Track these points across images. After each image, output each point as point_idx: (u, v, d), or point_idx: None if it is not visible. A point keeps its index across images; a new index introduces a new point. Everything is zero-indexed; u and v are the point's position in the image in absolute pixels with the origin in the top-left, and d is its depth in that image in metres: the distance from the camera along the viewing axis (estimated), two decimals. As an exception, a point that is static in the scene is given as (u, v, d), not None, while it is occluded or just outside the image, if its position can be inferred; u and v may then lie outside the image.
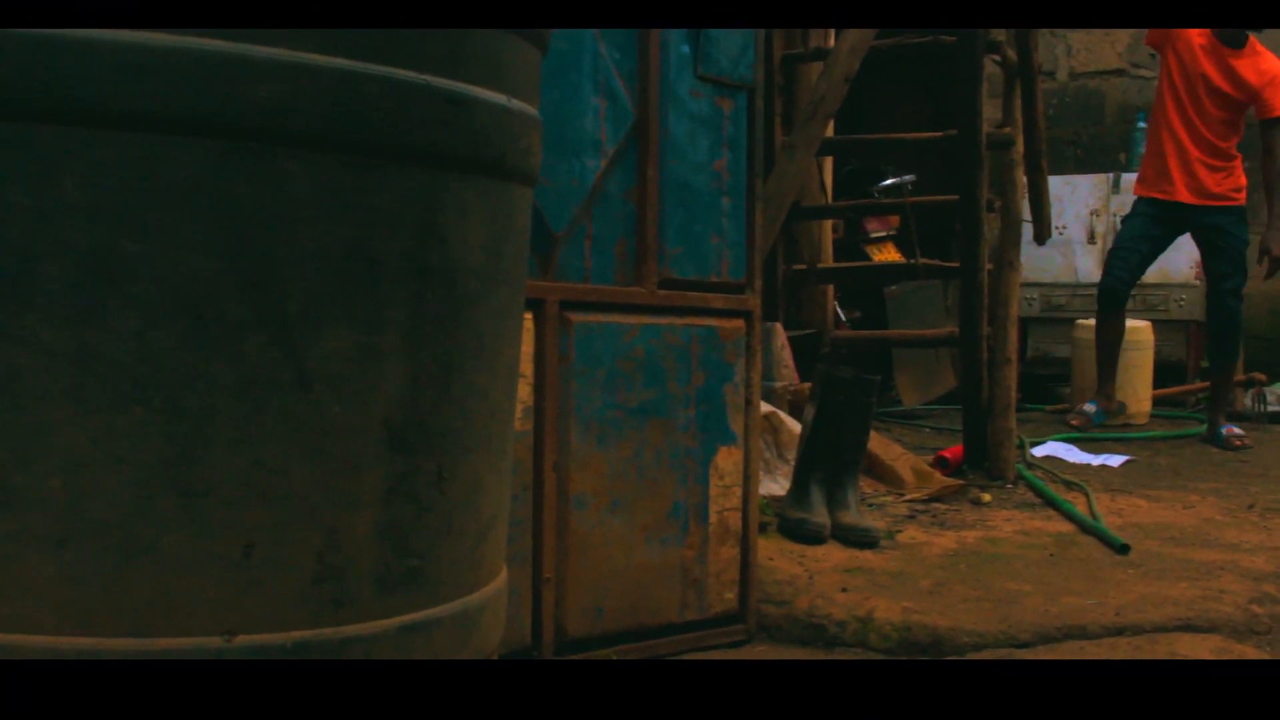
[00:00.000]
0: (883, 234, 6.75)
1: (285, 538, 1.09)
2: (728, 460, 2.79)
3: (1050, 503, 4.13)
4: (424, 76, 1.12)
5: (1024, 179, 4.78)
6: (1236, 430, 5.76)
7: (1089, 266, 7.28)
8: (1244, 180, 5.71)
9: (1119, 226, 7.13)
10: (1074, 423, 5.87)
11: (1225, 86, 5.51)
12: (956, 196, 4.48)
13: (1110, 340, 5.98)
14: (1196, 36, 5.54)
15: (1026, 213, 4.94)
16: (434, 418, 1.16)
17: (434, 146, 1.13)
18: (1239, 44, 5.51)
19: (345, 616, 1.12)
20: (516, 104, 1.24)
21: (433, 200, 1.14)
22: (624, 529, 2.56)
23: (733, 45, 2.81)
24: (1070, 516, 3.91)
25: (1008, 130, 4.50)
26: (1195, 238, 5.84)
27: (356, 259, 1.08)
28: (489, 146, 1.19)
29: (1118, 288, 5.85)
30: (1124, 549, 3.45)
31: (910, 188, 6.41)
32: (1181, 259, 7.13)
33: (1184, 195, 5.62)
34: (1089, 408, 5.94)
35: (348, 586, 1.12)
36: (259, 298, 1.05)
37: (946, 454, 4.72)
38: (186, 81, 1.01)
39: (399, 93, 1.10)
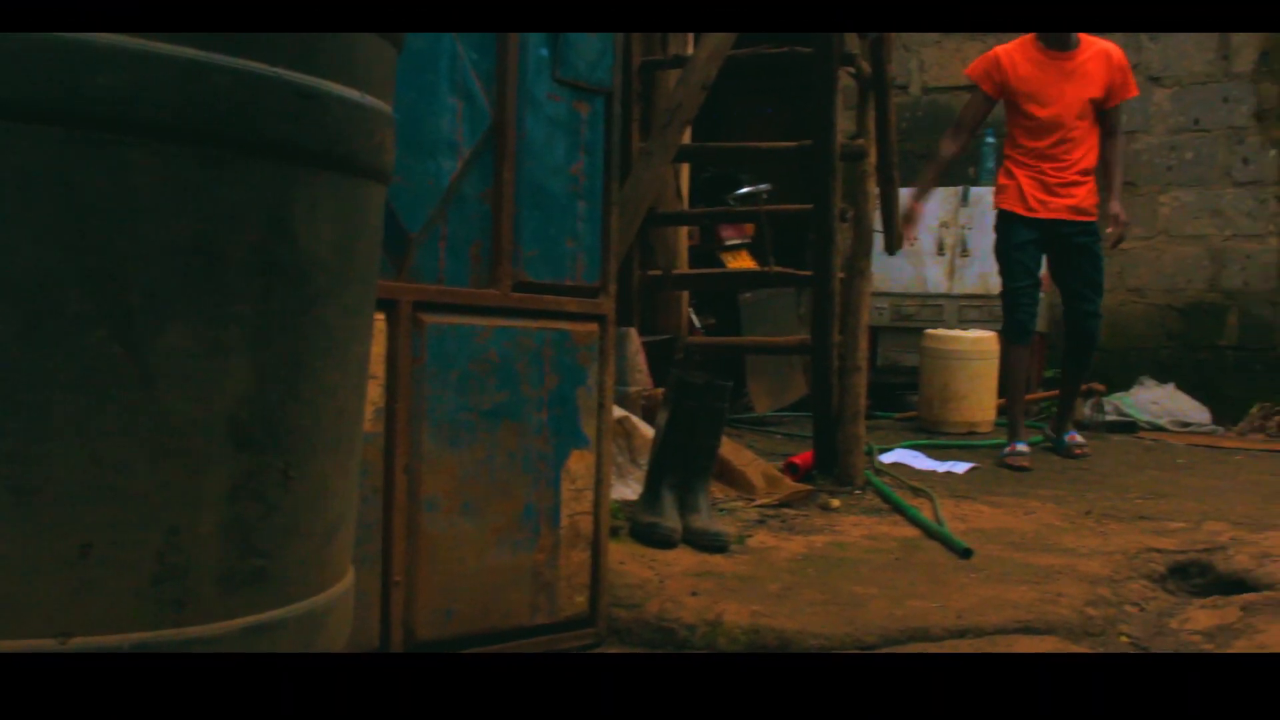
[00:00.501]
0: (738, 242, 6.82)
1: (124, 537, 1.06)
2: (580, 464, 2.79)
3: (897, 508, 4.22)
4: (275, 69, 1.10)
5: (876, 190, 4.87)
6: (1079, 439, 5.89)
7: (938, 276, 7.44)
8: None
9: (966, 240, 7.34)
10: (1023, 464, 5.46)
11: (1082, 90, 5.42)
12: (810, 205, 4.55)
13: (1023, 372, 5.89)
14: (1020, 61, 5.46)
15: (878, 223, 5.04)
16: (281, 416, 1.14)
17: (284, 140, 1.11)
18: (1071, 45, 5.44)
19: (187, 618, 1.10)
20: (370, 100, 1.23)
21: (282, 195, 1.12)
22: (475, 532, 2.54)
23: (591, 49, 2.82)
24: (915, 522, 3.99)
25: (861, 142, 4.58)
26: (1058, 252, 5.71)
27: (202, 253, 1.06)
28: (341, 142, 1.18)
29: (1028, 321, 5.68)
30: (967, 553, 3.54)
31: (765, 196, 6.50)
32: (1025, 272, 7.34)
33: (1057, 212, 5.51)
34: (1023, 448, 5.60)
35: (190, 587, 1.10)
36: (100, 291, 1.02)
37: (796, 460, 4.79)
38: (24, 67, 0.98)
39: (249, 85, 1.08)
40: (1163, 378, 7.35)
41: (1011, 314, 5.64)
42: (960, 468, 5.35)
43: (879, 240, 5.09)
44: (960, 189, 7.53)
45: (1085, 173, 5.50)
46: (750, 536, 3.71)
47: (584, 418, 2.80)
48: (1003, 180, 5.60)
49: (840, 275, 4.58)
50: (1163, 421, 6.91)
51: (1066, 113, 5.41)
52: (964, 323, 7.28)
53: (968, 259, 7.45)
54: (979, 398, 6.59)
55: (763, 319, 6.83)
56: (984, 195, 7.48)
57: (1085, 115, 5.45)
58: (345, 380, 1.24)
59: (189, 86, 1.04)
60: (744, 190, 6.58)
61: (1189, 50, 7.78)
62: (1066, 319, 5.75)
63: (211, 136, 1.06)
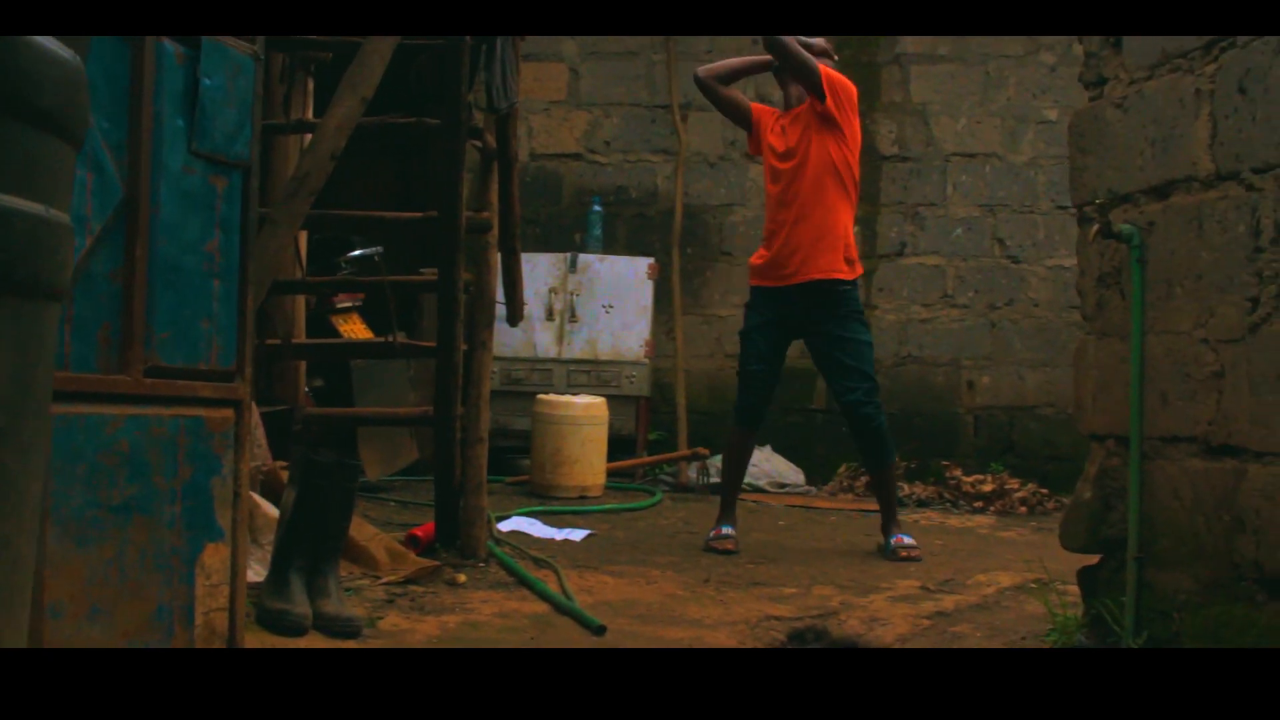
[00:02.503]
0: (349, 305, 6.68)
1: None
2: (214, 558, 2.64)
3: (523, 582, 4.21)
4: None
5: (498, 260, 4.88)
6: (906, 540, 5.27)
7: (546, 341, 7.54)
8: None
9: (575, 305, 7.47)
10: (727, 547, 5.18)
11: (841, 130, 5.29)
12: (433, 275, 4.51)
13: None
14: (772, 125, 5.44)
15: (499, 293, 5.04)
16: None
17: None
18: (820, 95, 5.25)
19: None
20: (54, 214, 1.11)
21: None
22: (104, 637, 2.35)
23: (229, 121, 2.70)
24: (544, 596, 3.99)
25: (486, 215, 4.58)
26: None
27: None
28: (24, 264, 1.06)
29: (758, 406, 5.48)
30: (600, 630, 3.56)
31: (378, 259, 6.40)
32: (633, 338, 7.55)
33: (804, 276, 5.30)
34: (727, 530, 5.29)
35: None
36: None
37: (418, 532, 4.70)
38: None
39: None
40: (760, 440, 7.70)
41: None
42: (577, 535, 5.41)
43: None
44: (569, 255, 7.68)
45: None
46: (381, 618, 3.61)
47: (219, 508, 2.65)
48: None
49: (463, 347, 4.56)
50: (762, 483, 7.24)
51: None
52: (573, 387, 7.40)
53: (576, 324, 7.58)
54: (590, 462, 6.70)
55: (374, 383, 6.72)
56: (591, 261, 7.67)
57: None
58: (20, 528, 1.11)
59: None
60: (357, 253, 6.45)
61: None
62: (846, 415, 5.47)
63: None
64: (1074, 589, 3.62)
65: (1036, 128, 8.28)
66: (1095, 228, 3.26)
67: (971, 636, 3.78)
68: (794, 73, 5.30)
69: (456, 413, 4.57)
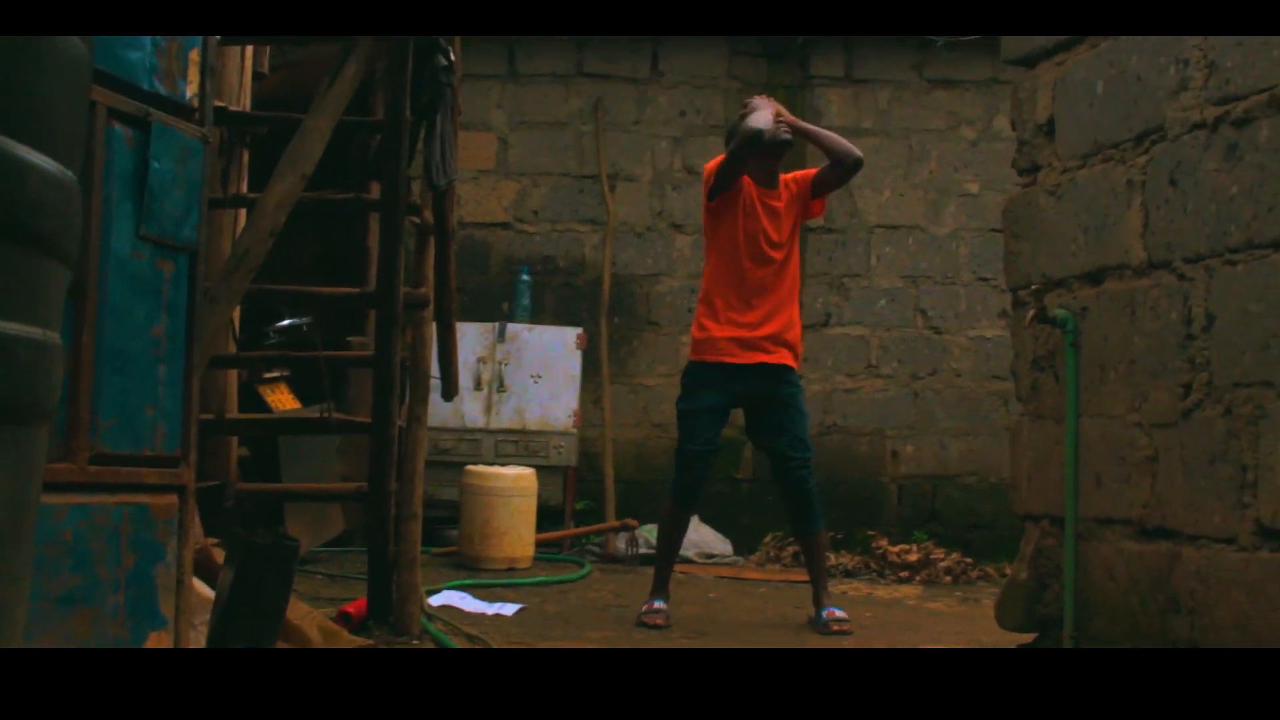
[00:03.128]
0: (276, 375, 6.62)
1: None
2: (158, 645, 2.59)
3: (459, 661, 4.17)
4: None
5: (434, 334, 4.87)
6: (838, 614, 5.24)
7: (475, 412, 7.52)
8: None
9: (503, 375, 7.46)
10: (657, 622, 5.13)
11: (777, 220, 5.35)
12: (364, 347, 4.50)
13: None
14: (756, 198, 5.35)
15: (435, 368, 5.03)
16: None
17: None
18: (774, 184, 5.36)
19: None
20: (49, 335, 1.11)
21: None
22: (45, 735, 2.30)
23: (177, 204, 2.69)
24: (481, 676, 3.95)
25: (424, 290, 4.58)
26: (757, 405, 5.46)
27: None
28: (23, 392, 1.05)
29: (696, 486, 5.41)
30: (540, 712, 3.54)
31: (307, 328, 6.37)
32: (561, 408, 7.56)
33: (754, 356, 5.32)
34: (659, 605, 5.26)
35: None
36: None
37: (350, 609, 4.65)
38: None
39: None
40: (688, 510, 7.71)
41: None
42: (509, 609, 5.37)
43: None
44: (497, 325, 7.67)
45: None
46: (317, 702, 3.55)
47: (162, 596, 2.61)
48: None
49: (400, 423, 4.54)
50: (690, 553, 7.23)
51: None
52: (501, 457, 7.38)
53: (504, 394, 7.57)
54: (519, 533, 6.67)
55: (302, 454, 6.63)
56: (520, 331, 7.67)
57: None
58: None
59: None
60: (285, 323, 6.41)
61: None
62: (780, 478, 5.49)
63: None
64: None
65: (958, 200, 8.45)
66: (1031, 312, 3.33)
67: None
68: (847, 175, 5.40)
69: (391, 488, 4.54)
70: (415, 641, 4.46)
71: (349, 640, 4.24)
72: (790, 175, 5.45)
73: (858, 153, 5.32)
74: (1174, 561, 2.93)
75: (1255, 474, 2.72)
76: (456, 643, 4.39)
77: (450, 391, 4.99)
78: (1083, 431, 3.27)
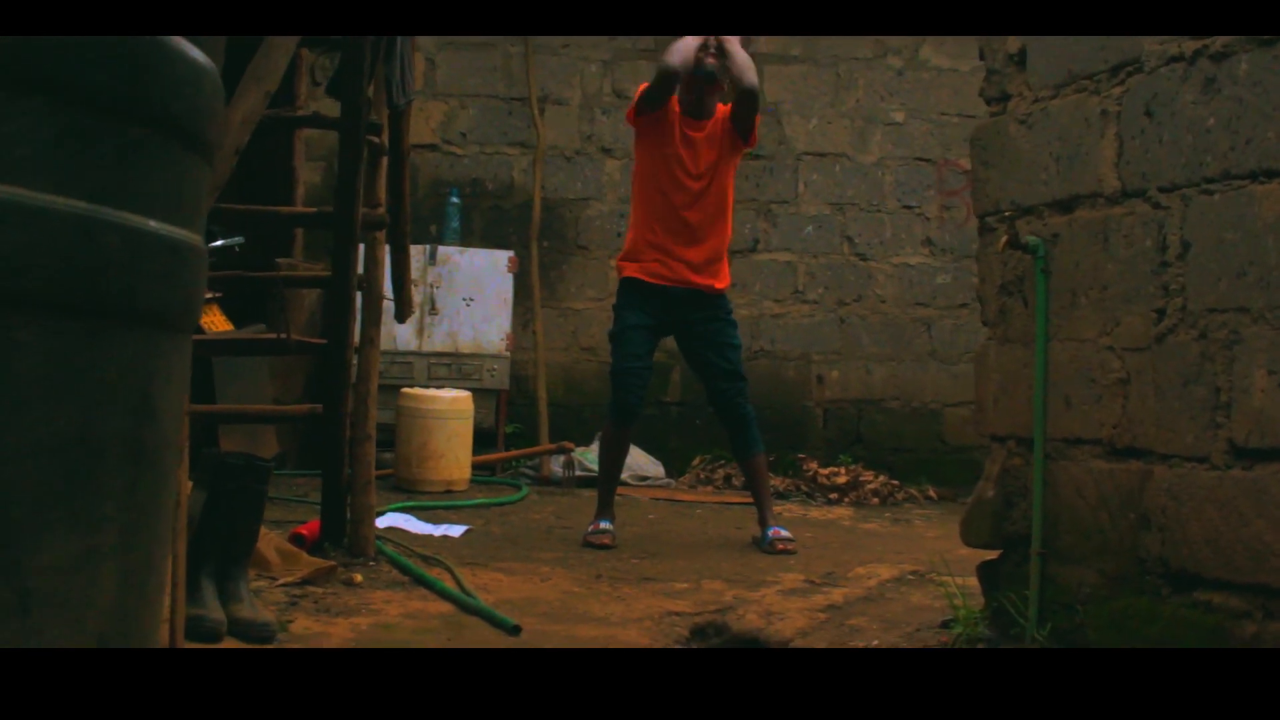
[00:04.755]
0: (209, 297, 6.52)
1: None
2: (157, 567, 2.58)
3: (421, 582, 4.19)
4: (152, 223, 0.96)
5: (386, 256, 4.84)
6: (783, 534, 5.38)
7: (408, 335, 7.46)
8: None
9: (435, 298, 7.41)
10: (604, 541, 5.22)
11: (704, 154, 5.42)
12: (312, 269, 4.45)
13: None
14: (678, 126, 5.42)
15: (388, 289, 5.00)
16: (136, 628, 0.99)
17: (156, 305, 0.98)
18: (701, 114, 5.43)
19: None
20: (198, 240, 1.10)
21: (150, 368, 0.98)
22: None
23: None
24: (448, 596, 3.98)
25: (381, 211, 4.54)
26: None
27: (82, 445, 0.91)
28: (191, 301, 1.05)
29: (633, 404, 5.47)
30: (515, 630, 3.57)
31: (238, 249, 6.27)
32: (494, 331, 7.54)
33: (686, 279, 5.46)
34: (605, 525, 5.35)
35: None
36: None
37: (303, 530, 4.64)
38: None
39: (134, 244, 0.94)
40: (618, 433, 7.76)
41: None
42: (455, 531, 5.39)
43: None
44: (427, 247, 7.60)
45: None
46: (291, 622, 3.56)
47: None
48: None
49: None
50: (624, 476, 7.28)
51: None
52: (433, 380, 7.35)
53: (436, 317, 7.53)
54: (456, 456, 6.68)
55: (235, 376, 6.57)
56: (452, 254, 7.62)
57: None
58: (161, 556, 1.09)
59: (78, 249, 0.89)
60: (218, 243, 6.30)
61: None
62: (718, 406, 5.62)
63: (96, 307, 0.91)
64: (952, 580, 3.75)
65: (884, 129, 8.52)
66: (1004, 238, 3.39)
67: (869, 629, 3.89)
68: (750, 107, 5.37)
69: (346, 410, 4.52)
70: (372, 564, 4.47)
71: (308, 561, 4.24)
72: (726, 107, 5.49)
73: (746, 83, 5.33)
74: (1145, 480, 3.03)
75: (1229, 396, 2.81)
76: (414, 563, 4.41)
77: (403, 312, 4.97)
78: (1052, 355, 3.35)
